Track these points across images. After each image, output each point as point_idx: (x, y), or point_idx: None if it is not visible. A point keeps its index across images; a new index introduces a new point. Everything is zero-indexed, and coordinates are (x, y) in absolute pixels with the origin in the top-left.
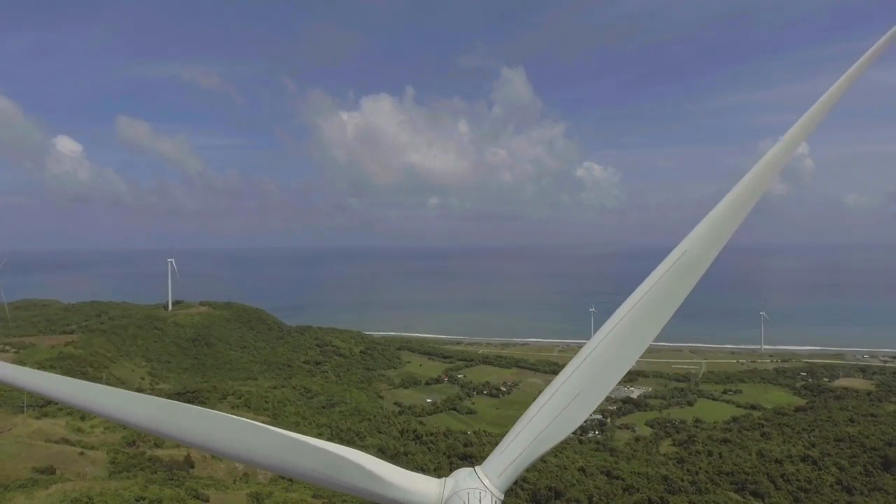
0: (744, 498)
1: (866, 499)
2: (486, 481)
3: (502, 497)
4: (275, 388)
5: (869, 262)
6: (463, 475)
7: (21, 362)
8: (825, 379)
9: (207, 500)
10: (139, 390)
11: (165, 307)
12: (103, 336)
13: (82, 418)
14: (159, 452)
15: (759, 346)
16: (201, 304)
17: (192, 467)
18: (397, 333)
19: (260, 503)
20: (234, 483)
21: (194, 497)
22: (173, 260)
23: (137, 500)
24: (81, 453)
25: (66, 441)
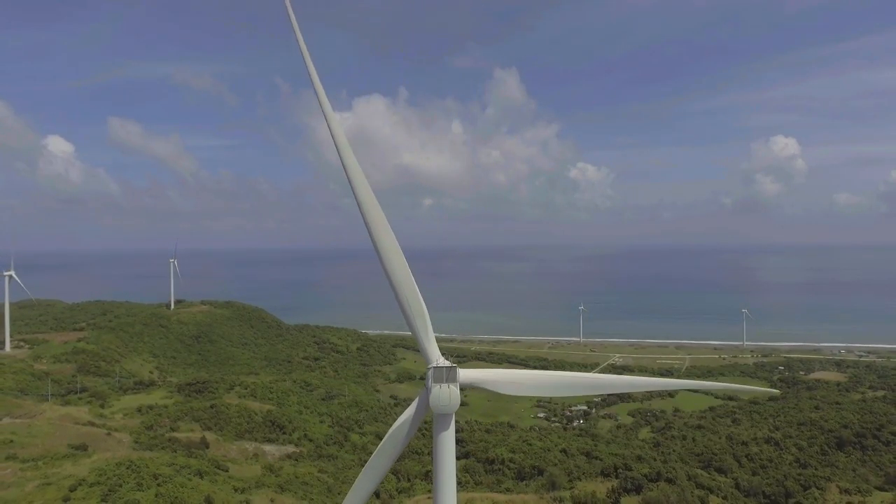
0: (709, 474)
1: (815, 472)
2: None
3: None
4: (276, 381)
5: (856, 262)
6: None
7: (37, 356)
8: (801, 372)
9: (227, 470)
10: (151, 383)
11: (168, 306)
12: (111, 333)
13: (102, 405)
14: (177, 434)
15: (741, 343)
16: (202, 303)
17: (208, 447)
18: (393, 332)
19: (274, 473)
20: (245, 461)
21: (216, 467)
22: (175, 260)
23: (169, 465)
24: (108, 434)
25: (93, 424)
